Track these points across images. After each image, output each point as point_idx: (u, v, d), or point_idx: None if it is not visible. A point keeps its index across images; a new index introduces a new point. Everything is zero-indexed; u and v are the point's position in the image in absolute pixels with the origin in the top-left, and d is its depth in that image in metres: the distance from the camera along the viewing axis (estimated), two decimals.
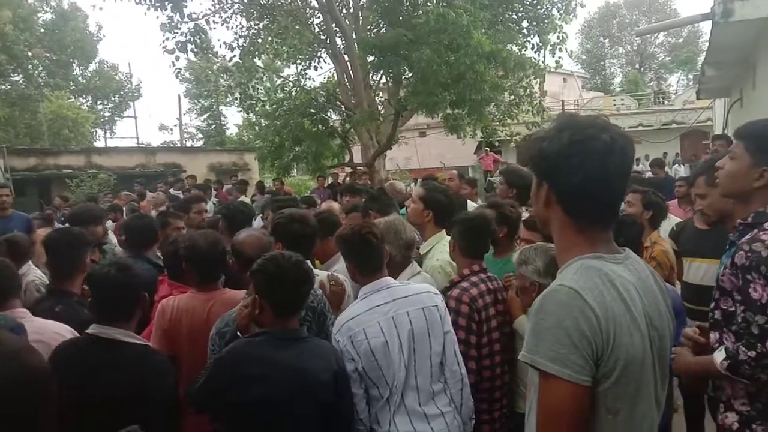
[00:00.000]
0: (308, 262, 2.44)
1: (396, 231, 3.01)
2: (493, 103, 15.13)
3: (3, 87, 30.63)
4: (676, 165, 21.42)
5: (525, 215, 3.64)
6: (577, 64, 49.48)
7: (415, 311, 2.49)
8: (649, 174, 10.48)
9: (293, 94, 17.82)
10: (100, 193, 13.00)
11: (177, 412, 2.41)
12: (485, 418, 2.88)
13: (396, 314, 2.46)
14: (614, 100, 31.42)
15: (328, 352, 2.36)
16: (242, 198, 11.78)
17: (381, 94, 18.39)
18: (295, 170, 19.54)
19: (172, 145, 35.33)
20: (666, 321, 1.48)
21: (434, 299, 2.59)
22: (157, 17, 15.25)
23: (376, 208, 4.00)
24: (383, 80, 17.16)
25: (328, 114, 18.12)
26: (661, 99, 32.92)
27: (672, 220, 4.54)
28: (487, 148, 21.38)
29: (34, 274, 4.32)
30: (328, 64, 18.75)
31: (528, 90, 16.38)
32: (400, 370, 2.42)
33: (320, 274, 3.05)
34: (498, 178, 15.41)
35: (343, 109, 17.35)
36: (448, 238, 3.38)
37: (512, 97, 16.42)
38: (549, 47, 16.13)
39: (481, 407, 2.83)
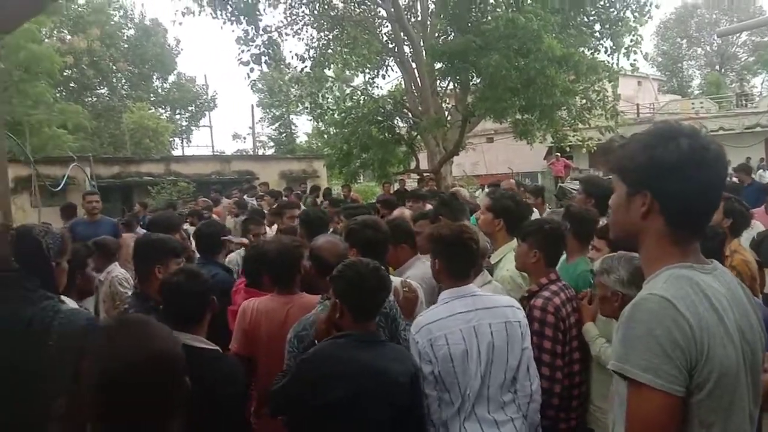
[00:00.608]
0: (383, 268, 2.46)
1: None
2: (564, 108, 14.76)
3: (90, 99, 32.63)
4: (761, 170, 20.25)
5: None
6: (652, 67, 47.48)
7: (498, 324, 2.48)
8: (734, 179, 9.98)
9: (361, 102, 18.05)
10: (179, 200, 13.58)
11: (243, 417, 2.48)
12: (563, 427, 2.87)
13: (478, 324, 2.45)
14: (693, 103, 30.04)
15: (405, 355, 2.40)
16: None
17: (448, 101, 18.33)
18: (361, 177, 19.74)
19: (245, 153, 36.54)
20: (758, 335, 1.43)
21: (517, 314, 2.57)
22: (233, 31, 15.72)
23: (446, 214, 3.98)
24: (451, 87, 17.12)
25: (395, 121, 18.23)
26: (743, 101, 31.18)
27: (756, 229, 4.31)
28: (558, 154, 20.91)
29: (118, 271, 4.91)
30: (396, 72, 18.94)
31: (601, 94, 15.90)
32: (475, 380, 2.42)
33: (394, 281, 3.08)
34: (569, 184, 15.09)
35: (410, 116, 17.41)
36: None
37: (584, 101, 15.98)
38: (623, 50, 15.61)
39: (560, 416, 2.82)
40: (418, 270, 3.55)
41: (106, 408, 1.19)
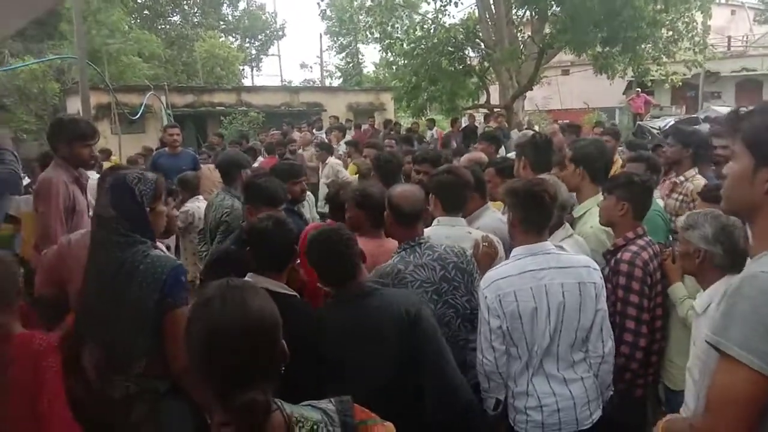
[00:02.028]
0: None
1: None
2: (649, 41, 13.85)
3: (163, 27, 33.12)
4: None
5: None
6: None
7: (571, 285, 2.43)
8: None
9: (432, 32, 17.48)
10: (251, 131, 13.83)
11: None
12: (640, 383, 2.88)
13: (549, 283, 2.41)
14: None
15: (394, 302, 2.37)
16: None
17: (524, 31, 17.51)
18: (429, 110, 19.39)
19: (312, 84, 36.54)
20: None
21: (593, 275, 2.50)
22: None
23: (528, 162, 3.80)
24: (527, 16, 16.31)
25: (467, 52, 17.64)
26: None
27: None
28: (638, 89, 19.76)
29: (194, 204, 5.54)
30: None
31: (690, 24, 14.78)
32: (543, 338, 2.41)
33: (474, 234, 3.06)
34: (648, 122, 14.33)
35: (483, 47, 16.79)
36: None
37: (671, 32, 14.93)
38: None
39: (639, 371, 2.81)
40: (489, 219, 3.50)
41: (210, 371, 1.25)
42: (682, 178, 4.32)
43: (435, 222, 3.09)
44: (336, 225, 2.53)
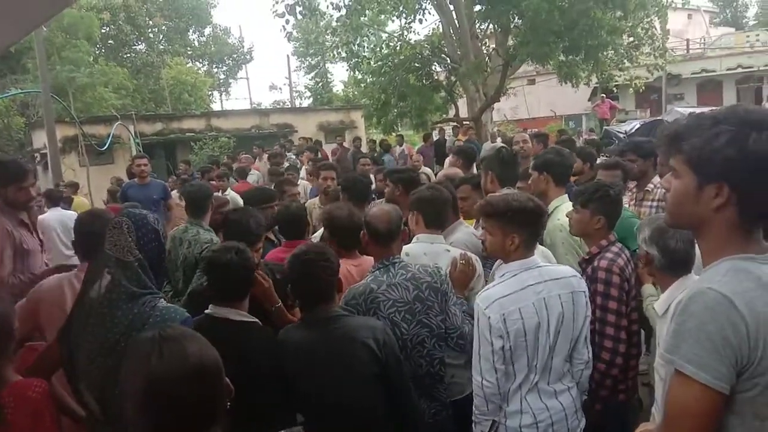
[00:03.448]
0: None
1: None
2: (610, 48, 14.15)
3: (128, 56, 32.89)
4: None
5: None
6: None
7: (566, 295, 2.43)
8: None
9: (398, 48, 17.64)
10: (221, 156, 13.74)
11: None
12: (622, 388, 2.89)
13: (548, 296, 2.40)
14: (747, 36, 28.34)
15: (361, 328, 2.41)
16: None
17: (488, 44, 17.76)
18: (399, 126, 19.49)
19: (282, 105, 36.53)
20: None
21: (581, 284, 2.52)
22: None
23: (495, 176, 3.87)
24: (491, 29, 16.56)
25: (433, 67, 17.81)
26: None
27: None
28: (603, 95, 20.14)
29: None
30: (433, 15, 18.30)
31: (649, 30, 15.17)
32: (544, 353, 2.40)
33: (452, 251, 3.06)
34: (615, 127, 14.58)
35: (449, 61, 16.96)
36: (569, 202, 3.34)
37: (631, 39, 15.29)
38: None
39: (620, 376, 2.83)
40: (462, 234, 3.52)
41: (160, 424, 1.22)
42: (651, 185, 4.44)
43: (414, 239, 3.09)
44: (321, 246, 2.53)
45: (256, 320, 2.55)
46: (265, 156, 11.75)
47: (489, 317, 2.34)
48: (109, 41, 32.23)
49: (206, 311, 2.50)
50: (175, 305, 2.18)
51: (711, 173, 1.34)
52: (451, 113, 18.18)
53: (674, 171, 1.43)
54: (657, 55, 15.43)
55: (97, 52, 27.55)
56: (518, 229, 2.41)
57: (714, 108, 1.56)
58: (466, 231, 3.61)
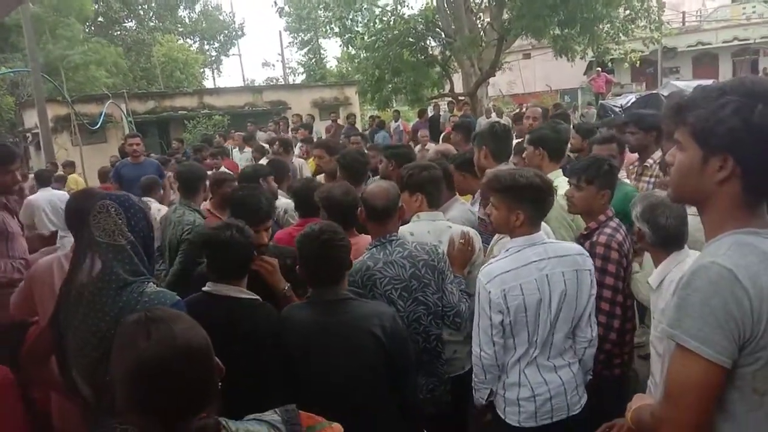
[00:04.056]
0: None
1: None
2: (606, 21, 14.01)
3: (118, 33, 32.43)
4: None
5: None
6: None
7: (570, 272, 2.42)
8: None
9: (392, 23, 17.44)
10: (215, 134, 13.63)
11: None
12: (617, 362, 2.91)
13: (551, 273, 2.39)
14: (744, 8, 28.07)
15: (369, 313, 2.35)
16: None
17: (482, 18, 17.57)
18: (394, 102, 19.36)
19: (275, 82, 36.18)
20: None
21: (587, 262, 2.50)
22: None
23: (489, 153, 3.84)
24: (485, 3, 16.37)
25: (428, 42, 17.65)
26: None
27: None
28: (599, 69, 20.03)
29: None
30: None
31: (645, 3, 15.02)
32: (544, 328, 2.40)
33: (454, 227, 3.05)
34: (610, 101, 14.51)
35: (443, 36, 16.80)
36: (563, 178, 3.33)
37: (627, 12, 15.14)
38: None
39: (614, 351, 2.86)
40: (458, 212, 3.51)
41: (151, 407, 1.22)
42: (650, 161, 4.39)
43: (415, 218, 3.07)
44: (334, 225, 2.43)
45: (258, 297, 2.54)
46: (260, 134, 11.66)
47: (489, 292, 2.34)
48: (99, 19, 31.74)
49: (204, 289, 2.49)
50: (164, 289, 2.11)
51: (716, 145, 1.32)
52: (447, 88, 18.05)
53: (679, 143, 1.41)
54: (653, 28, 15.30)
55: (87, 30, 27.11)
56: (524, 205, 2.40)
57: (710, 81, 1.54)
58: (462, 208, 3.61)
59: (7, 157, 3.51)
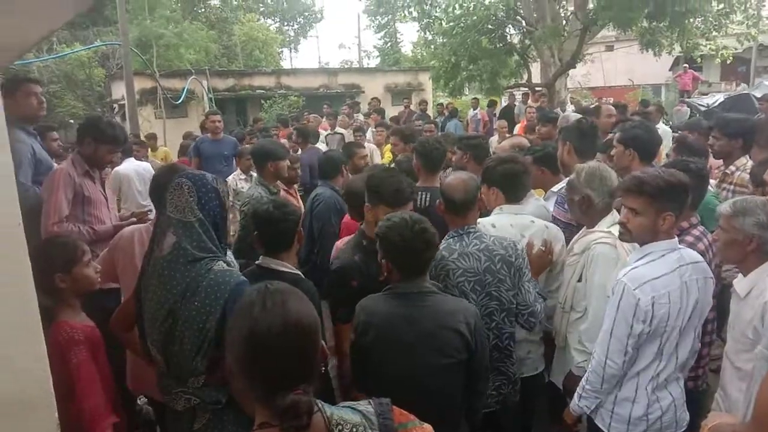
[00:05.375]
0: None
1: (601, 178, 2.86)
2: (699, 14, 13.27)
3: (203, 11, 33.38)
4: None
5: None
6: None
7: (702, 280, 2.35)
8: None
9: (471, 9, 17.13)
10: (290, 115, 13.88)
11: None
12: (691, 375, 2.81)
13: (689, 280, 2.31)
14: None
15: (454, 309, 2.30)
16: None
17: (566, 7, 17.02)
18: (467, 90, 19.07)
19: (350, 65, 36.44)
20: None
21: (709, 270, 2.42)
22: None
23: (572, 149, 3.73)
24: None
25: (507, 30, 17.27)
26: None
27: None
28: (686, 65, 19.06)
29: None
30: None
31: None
32: (674, 340, 2.31)
33: (537, 222, 3.04)
34: (696, 99, 13.79)
35: (524, 24, 16.39)
36: None
37: (722, 5, 14.28)
38: None
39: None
40: (533, 207, 3.46)
41: (252, 374, 1.29)
42: (732, 167, 4.22)
43: (497, 210, 3.05)
44: (420, 216, 2.36)
45: (298, 272, 2.62)
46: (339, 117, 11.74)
47: (639, 299, 2.23)
48: None
49: (257, 262, 2.62)
50: (230, 269, 2.16)
51: None
52: (524, 78, 17.65)
53: None
54: (750, 24, 14.36)
55: (174, 6, 28.08)
56: (673, 206, 2.31)
57: None
58: (536, 203, 3.55)
59: (121, 141, 3.84)
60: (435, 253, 2.35)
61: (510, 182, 3.02)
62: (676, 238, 2.40)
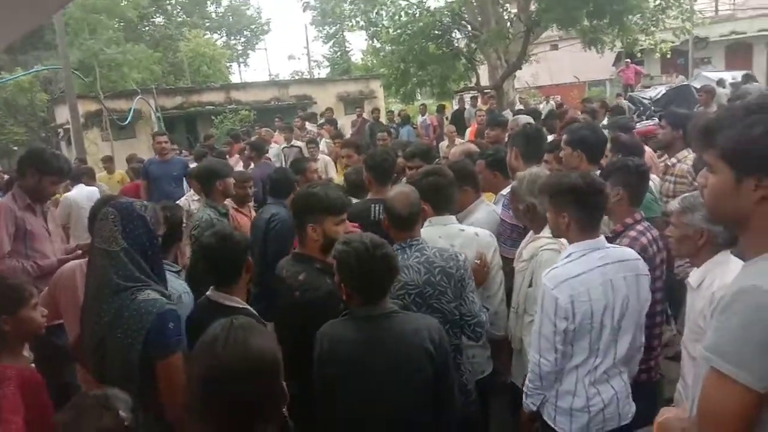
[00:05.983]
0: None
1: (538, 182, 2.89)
2: (637, 11, 13.71)
3: (147, 29, 32.80)
4: None
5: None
6: None
7: (631, 278, 2.40)
8: None
9: (417, 15, 17.29)
10: (242, 129, 13.72)
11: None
12: (643, 368, 2.84)
13: (614, 278, 2.36)
14: None
15: (419, 326, 2.25)
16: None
17: (509, 10, 17.34)
18: (419, 95, 19.21)
19: (300, 75, 36.34)
20: None
21: (645, 267, 2.48)
22: None
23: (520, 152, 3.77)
24: None
25: (453, 35, 17.47)
26: None
27: None
28: (628, 60, 19.66)
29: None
30: None
31: None
32: (608, 336, 2.36)
33: (467, 230, 3.06)
34: (639, 93, 14.22)
35: (469, 28, 16.63)
36: None
37: (658, 1, 14.80)
38: None
39: (642, 357, 2.79)
40: (483, 214, 3.49)
41: (210, 410, 1.25)
42: (674, 159, 4.35)
43: (427, 223, 3.06)
44: (379, 238, 2.26)
45: (247, 307, 2.51)
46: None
47: (557, 298, 2.30)
48: (128, 14, 32.11)
49: (207, 293, 2.55)
50: (156, 298, 2.12)
51: (748, 166, 1.29)
52: (473, 81, 17.89)
53: (710, 166, 1.38)
54: (684, 18, 14.91)
55: (116, 26, 27.49)
56: (571, 208, 2.40)
57: (743, 71, 1.49)
58: (487, 209, 3.58)
59: (63, 171, 3.74)
60: (395, 276, 2.27)
61: (434, 195, 3.01)
62: (602, 237, 2.46)
